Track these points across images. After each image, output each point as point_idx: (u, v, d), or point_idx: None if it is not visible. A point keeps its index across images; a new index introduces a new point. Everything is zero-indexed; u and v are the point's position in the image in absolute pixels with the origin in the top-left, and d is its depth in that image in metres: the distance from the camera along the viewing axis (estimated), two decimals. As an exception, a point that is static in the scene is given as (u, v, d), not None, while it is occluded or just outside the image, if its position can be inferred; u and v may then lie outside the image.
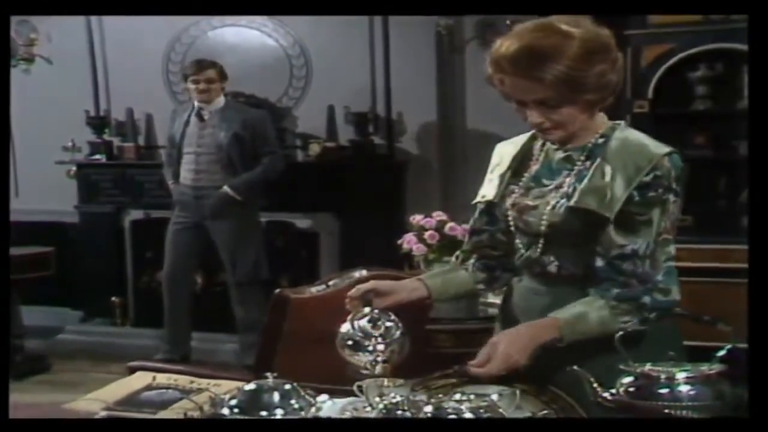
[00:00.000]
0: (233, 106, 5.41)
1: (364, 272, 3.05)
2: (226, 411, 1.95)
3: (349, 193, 5.80)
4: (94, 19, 6.33)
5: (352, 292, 2.24)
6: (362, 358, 2.15)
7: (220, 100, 5.31)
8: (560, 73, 1.96)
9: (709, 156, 5.24)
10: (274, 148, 5.38)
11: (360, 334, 2.16)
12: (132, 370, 2.52)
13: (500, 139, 5.82)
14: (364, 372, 2.15)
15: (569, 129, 2.08)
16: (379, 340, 2.14)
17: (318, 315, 2.88)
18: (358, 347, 2.16)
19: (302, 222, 5.94)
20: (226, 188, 5.22)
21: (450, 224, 3.86)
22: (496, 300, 3.81)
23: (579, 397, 1.89)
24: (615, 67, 2.05)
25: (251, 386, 1.99)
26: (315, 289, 2.96)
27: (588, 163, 2.10)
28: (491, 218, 2.29)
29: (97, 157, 6.26)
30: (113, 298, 6.18)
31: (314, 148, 5.86)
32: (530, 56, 1.97)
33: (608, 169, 2.04)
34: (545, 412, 1.91)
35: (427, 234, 3.82)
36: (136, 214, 6.32)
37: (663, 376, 1.69)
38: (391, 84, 5.81)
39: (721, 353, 1.72)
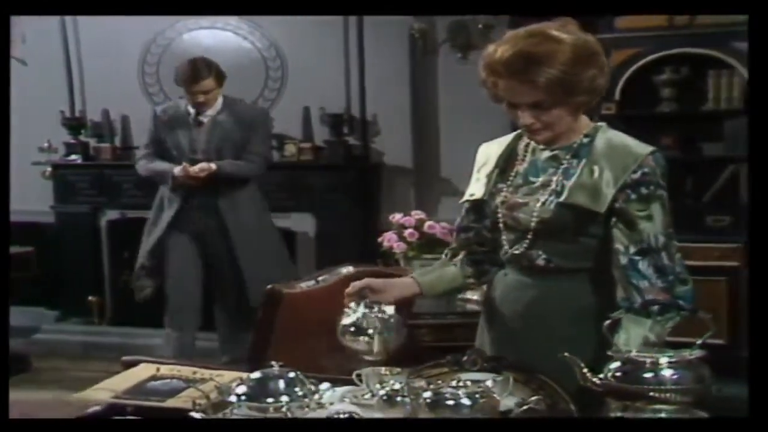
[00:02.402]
0: (231, 105, 4.96)
1: (351, 269, 3.17)
2: (233, 398, 2.05)
3: (324, 193, 5.90)
4: (68, 20, 6.37)
5: (349, 289, 2.33)
6: (363, 343, 2.25)
7: (219, 102, 4.92)
8: (554, 77, 2.08)
9: (675, 156, 5.37)
10: (259, 149, 4.96)
11: (361, 319, 2.26)
12: (126, 365, 2.61)
13: (472, 139, 5.94)
14: (365, 357, 2.25)
15: (556, 129, 2.20)
16: (378, 324, 2.24)
17: (309, 309, 2.99)
18: (359, 332, 2.25)
19: (280, 222, 6.01)
20: (211, 164, 4.80)
21: (428, 222, 3.98)
22: (474, 296, 3.96)
23: (567, 383, 2.01)
24: (603, 71, 2.18)
25: (257, 375, 2.09)
26: (305, 284, 3.07)
27: (575, 161, 2.22)
28: (478, 216, 2.40)
29: (73, 157, 6.30)
30: (90, 298, 6.22)
31: (290, 149, 5.96)
32: (525, 61, 2.09)
33: (596, 168, 2.17)
34: (535, 398, 2.02)
35: (407, 232, 3.93)
36: (112, 215, 6.37)
37: (648, 362, 1.79)
38: (366, 86, 5.91)
39: (702, 340, 1.83)
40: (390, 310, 2.28)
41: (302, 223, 6.01)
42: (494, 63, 2.15)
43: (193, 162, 4.83)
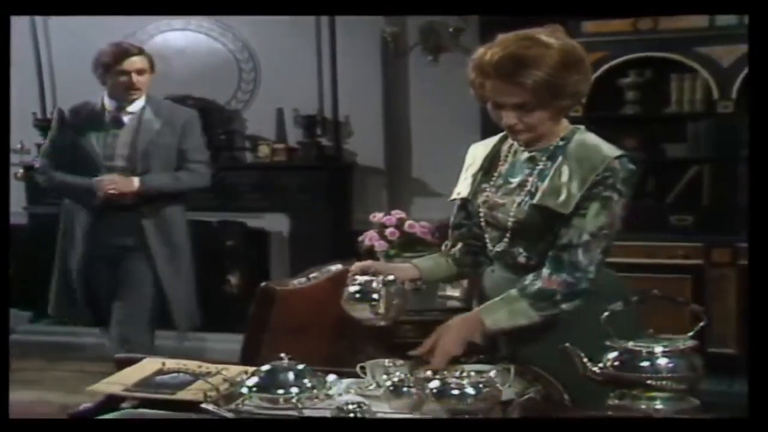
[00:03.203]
0: (157, 104, 4.24)
1: (340, 266, 3.25)
2: (244, 390, 2.14)
3: (297, 193, 5.97)
4: (39, 21, 6.37)
5: (353, 268, 2.42)
6: (368, 308, 2.33)
7: (142, 99, 4.19)
8: (541, 80, 2.19)
9: (639, 157, 5.50)
10: (202, 157, 4.30)
11: (365, 285, 2.34)
12: (119, 363, 2.67)
13: (443, 140, 6.09)
14: (369, 323, 2.35)
15: (538, 131, 2.31)
16: (382, 288, 2.33)
17: (301, 306, 3.06)
18: (364, 298, 2.34)
19: (254, 222, 6.08)
20: (135, 179, 4.10)
21: (409, 222, 4.09)
22: (455, 293, 4.08)
23: (563, 372, 2.11)
24: (587, 77, 2.29)
25: (267, 367, 2.18)
26: (297, 282, 3.14)
27: (549, 163, 2.32)
28: (467, 213, 2.51)
29: (45, 159, 6.30)
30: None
31: (263, 150, 6.02)
32: (514, 63, 2.19)
33: (566, 170, 2.27)
34: (534, 388, 2.12)
35: (388, 231, 4.03)
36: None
37: (644, 351, 1.91)
38: (339, 88, 6.00)
39: (694, 331, 1.95)
40: (392, 276, 2.37)
41: (276, 223, 6.07)
42: (484, 64, 2.25)
43: (110, 171, 4.11)
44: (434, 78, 5.88)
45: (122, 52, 4.10)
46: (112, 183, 4.08)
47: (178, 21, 6.23)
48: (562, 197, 2.25)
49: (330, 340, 3.00)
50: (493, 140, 2.51)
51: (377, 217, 4.15)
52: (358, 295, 2.35)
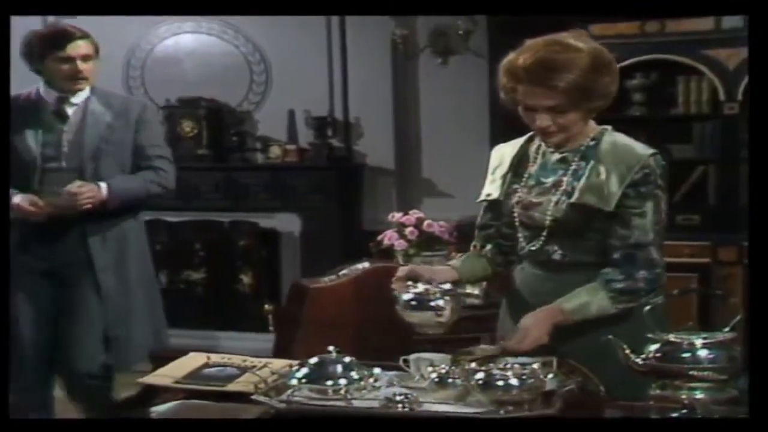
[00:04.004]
0: (103, 95, 3.66)
1: (367, 264, 3.33)
2: (294, 381, 2.21)
3: (308, 193, 6.04)
4: (52, 23, 6.41)
5: (399, 274, 2.47)
6: (427, 315, 2.38)
7: (86, 89, 3.62)
8: (574, 82, 2.28)
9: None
10: (164, 152, 3.73)
11: (422, 293, 2.39)
12: (153, 359, 2.74)
13: (452, 141, 6.18)
14: (426, 330, 2.39)
15: (570, 132, 2.39)
16: (440, 297, 2.38)
17: (331, 303, 3.14)
18: (421, 305, 2.38)
19: (265, 222, 6.15)
20: (102, 184, 3.50)
21: (427, 221, 4.17)
22: (474, 290, 4.15)
23: (592, 366, 2.19)
24: (616, 78, 2.38)
25: (315, 359, 2.25)
26: (327, 279, 3.21)
27: (582, 163, 2.41)
28: (495, 214, 2.58)
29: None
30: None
31: (274, 151, 6.09)
32: (547, 67, 2.28)
33: (602, 169, 2.36)
34: (575, 379, 2.19)
35: (407, 230, 4.11)
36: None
37: (685, 343, 1.99)
38: (349, 90, 6.07)
39: (734, 322, 2.03)
40: (449, 285, 2.42)
41: (287, 223, 6.14)
42: (516, 69, 2.33)
43: (51, 174, 3.53)
44: (443, 80, 5.97)
45: (64, 35, 3.50)
46: (80, 194, 3.43)
47: (189, 23, 6.30)
48: (603, 195, 2.34)
49: (360, 335, 3.07)
50: (519, 142, 2.58)
51: (396, 216, 4.23)
52: (415, 303, 2.39)
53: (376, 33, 5.96)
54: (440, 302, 2.38)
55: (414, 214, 4.20)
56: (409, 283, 2.44)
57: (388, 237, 4.16)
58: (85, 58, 3.51)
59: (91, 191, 3.45)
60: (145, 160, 3.62)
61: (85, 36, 3.54)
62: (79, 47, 3.49)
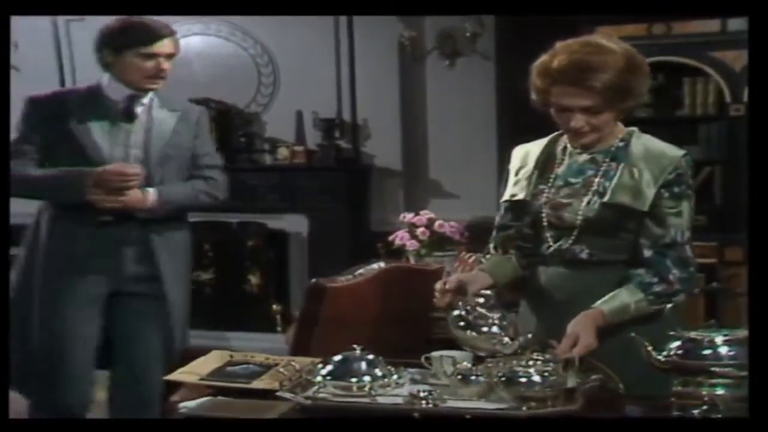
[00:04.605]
0: (163, 97, 3.40)
1: (382, 264, 3.38)
2: (319, 378, 2.24)
3: (316, 194, 6.08)
4: (61, 26, 6.46)
5: (447, 286, 2.44)
6: (492, 343, 2.36)
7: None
8: (610, 83, 2.31)
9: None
10: (218, 162, 3.56)
11: (479, 318, 2.40)
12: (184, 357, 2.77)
13: (459, 142, 6.20)
14: (496, 348, 2.36)
15: (602, 132, 2.42)
16: (496, 321, 2.39)
17: (349, 302, 3.18)
18: (474, 327, 2.38)
19: (273, 223, 6.18)
20: (151, 190, 3.27)
21: (438, 222, 4.21)
22: (485, 292, 4.18)
23: (626, 362, 2.22)
24: (648, 78, 2.42)
25: (339, 357, 2.28)
26: (344, 278, 3.26)
27: (613, 164, 2.44)
28: (517, 215, 2.58)
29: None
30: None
31: (283, 152, 6.13)
32: (583, 69, 2.32)
33: (635, 170, 2.40)
34: (596, 376, 2.23)
35: (419, 230, 4.15)
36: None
37: (706, 340, 2.02)
38: (357, 91, 6.11)
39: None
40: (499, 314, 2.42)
41: (295, 224, 6.18)
42: (552, 71, 2.36)
43: None
44: (451, 82, 6.00)
45: (152, 30, 3.26)
46: (118, 176, 3.18)
47: (197, 25, 6.32)
48: (637, 195, 2.38)
49: (377, 333, 3.11)
50: (542, 142, 2.60)
51: (407, 217, 4.27)
52: (462, 323, 2.40)
53: (383, 35, 6.00)
54: (492, 329, 2.38)
55: (425, 215, 4.24)
56: (482, 310, 2.42)
57: (400, 237, 4.20)
58: (169, 56, 3.29)
59: (134, 197, 3.22)
60: (198, 168, 3.43)
61: (172, 34, 3.32)
62: (165, 45, 3.27)
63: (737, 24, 5.30)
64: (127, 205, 3.21)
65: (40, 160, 3.28)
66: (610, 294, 2.37)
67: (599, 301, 2.35)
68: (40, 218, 3.32)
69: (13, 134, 3.28)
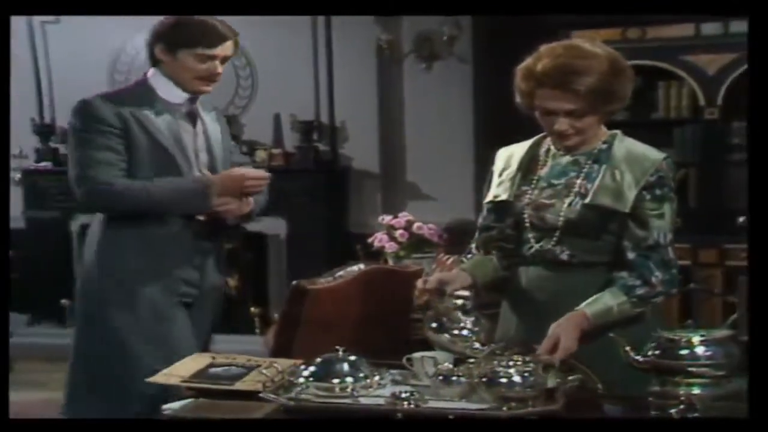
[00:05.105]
0: (207, 100, 3.16)
1: (362, 266, 3.40)
2: (302, 380, 2.26)
3: (294, 197, 6.08)
4: (37, 27, 6.44)
5: (428, 285, 2.47)
6: (462, 346, 2.41)
7: None
8: (593, 86, 2.34)
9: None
10: (247, 160, 3.68)
11: (453, 321, 2.44)
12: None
13: (436, 145, 6.21)
14: (466, 352, 2.39)
15: (585, 135, 2.46)
16: (469, 326, 2.43)
17: (330, 304, 3.19)
18: (447, 330, 2.44)
19: (252, 225, 6.16)
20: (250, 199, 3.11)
21: (417, 224, 4.23)
22: (463, 292, 4.21)
23: (606, 362, 2.23)
24: (632, 82, 2.46)
25: (322, 358, 2.29)
26: (324, 280, 3.27)
27: (596, 166, 2.47)
28: (499, 216, 2.60)
29: (45, 164, 6.39)
30: (63, 301, 6.30)
31: (261, 155, 6.14)
32: (567, 72, 2.35)
33: (617, 172, 2.43)
34: (575, 377, 2.25)
35: (398, 232, 4.17)
36: (83, 219, 6.45)
37: (683, 340, 2.05)
38: (335, 94, 6.13)
39: (729, 321, 2.10)
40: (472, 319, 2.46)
41: (273, 226, 6.17)
42: (536, 74, 2.39)
43: None
44: (428, 85, 6.04)
45: (217, 32, 2.99)
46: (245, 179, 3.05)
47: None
48: (619, 197, 2.41)
49: (358, 335, 3.12)
50: (526, 144, 2.62)
51: (386, 219, 4.29)
52: (451, 333, 2.44)
53: (361, 38, 6.03)
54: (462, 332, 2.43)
55: (404, 217, 4.27)
56: (459, 315, 2.46)
57: (379, 239, 4.22)
58: (225, 60, 3.04)
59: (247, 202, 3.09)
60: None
61: (235, 35, 3.06)
62: (226, 48, 3.01)
63: (711, 28, 5.38)
64: (240, 212, 3.09)
65: (128, 169, 2.93)
66: (594, 297, 2.39)
67: (583, 304, 2.38)
68: (107, 227, 2.99)
69: (73, 143, 2.95)
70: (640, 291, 2.39)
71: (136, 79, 3.10)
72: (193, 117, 3.05)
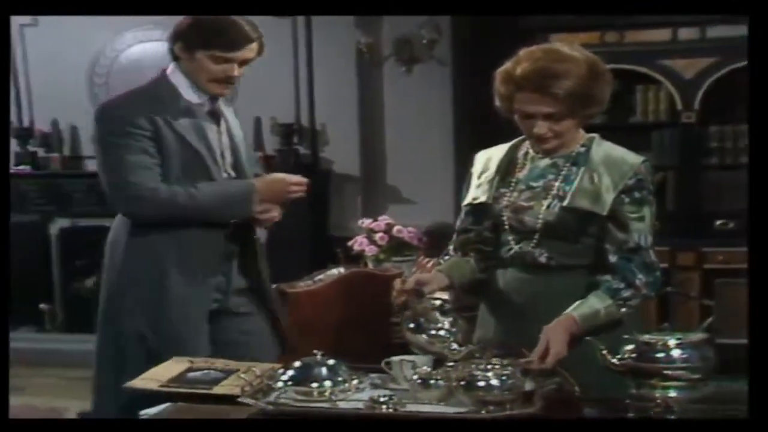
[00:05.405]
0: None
1: (342, 269, 3.42)
2: (280, 384, 2.26)
3: (275, 200, 6.08)
4: (14, 30, 6.40)
5: (405, 285, 2.49)
6: (440, 347, 2.42)
7: None
8: (572, 90, 2.36)
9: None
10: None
11: (431, 321, 2.45)
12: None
13: (416, 148, 6.22)
14: (444, 353, 2.40)
15: (564, 138, 2.47)
16: (446, 326, 2.44)
17: (309, 307, 3.21)
18: (425, 330, 2.44)
19: (232, 228, 6.17)
20: None
21: (397, 227, 4.24)
22: (443, 295, 4.22)
23: (585, 365, 2.24)
24: (610, 86, 2.48)
25: (299, 363, 2.30)
26: (304, 284, 3.28)
27: (574, 168, 2.48)
28: (477, 218, 2.62)
29: (23, 167, 6.36)
30: (42, 305, 6.28)
31: (241, 158, 6.12)
32: (546, 76, 2.36)
33: (595, 175, 2.44)
34: (553, 380, 2.27)
35: (377, 236, 4.18)
36: (63, 223, 6.44)
37: (659, 343, 2.07)
38: (315, 97, 6.13)
39: (705, 324, 2.12)
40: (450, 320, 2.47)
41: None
42: (515, 77, 2.41)
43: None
44: (408, 88, 6.04)
45: (239, 34, 2.85)
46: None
47: (155, 32, 6.29)
48: (597, 199, 2.42)
49: (337, 338, 3.13)
50: (505, 147, 2.63)
51: (366, 222, 4.30)
52: (428, 334, 2.44)
53: (341, 41, 6.03)
54: (439, 332, 2.44)
55: (383, 220, 4.28)
56: (438, 315, 2.46)
57: (359, 242, 4.23)
58: (244, 63, 2.92)
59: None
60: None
61: (260, 37, 2.92)
62: (247, 51, 2.89)
63: (687, 33, 5.43)
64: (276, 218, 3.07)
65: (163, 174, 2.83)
66: (580, 300, 2.40)
67: (570, 308, 2.39)
68: (134, 232, 2.89)
69: (104, 149, 2.86)
70: (625, 293, 2.41)
71: (154, 77, 2.97)
72: (216, 116, 2.95)
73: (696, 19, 5.36)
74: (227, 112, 3.01)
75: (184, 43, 2.87)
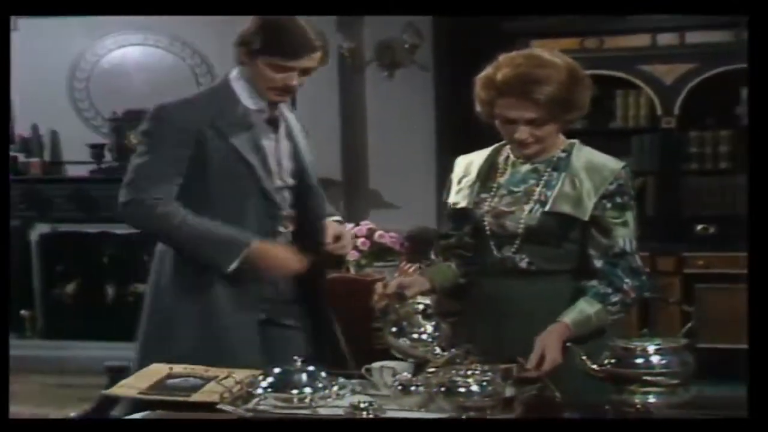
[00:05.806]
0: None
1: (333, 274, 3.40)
2: (260, 390, 2.25)
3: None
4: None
5: (387, 289, 2.49)
6: (414, 348, 2.42)
7: None
8: (553, 95, 2.37)
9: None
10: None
11: (413, 325, 2.45)
12: (110, 370, 2.76)
13: (398, 153, 6.22)
14: (427, 357, 2.40)
15: (545, 143, 2.48)
16: (429, 330, 2.44)
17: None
18: (407, 334, 2.44)
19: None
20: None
21: (378, 232, 4.24)
22: (425, 300, 4.23)
23: (566, 370, 2.27)
24: (590, 91, 2.48)
25: (278, 369, 2.29)
26: (286, 289, 3.26)
27: (555, 173, 2.49)
28: (458, 223, 2.62)
29: (2, 172, 6.32)
30: (22, 312, 6.24)
31: (222, 163, 6.11)
32: (527, 81, 2.37)
33: (576, 180, 2.45)
34: (534, 386, 2.27)
35: (359, 241, 4.18)
36: (43, 228, 6.40)
37: (639, 349, 2.07)
38: (296, 102, 6.10)
39: (684, 330, 2.13)
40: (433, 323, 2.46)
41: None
42: (496, 83, 2.41)
43: (278, 193, 2.85)
44: (390, 93, 6.05)
45: (303, 42, 2.73)
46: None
47: (137, 36, 6.30)
48: (578, 204, 2.43)
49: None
50: (485, 152, 2.63)
51: (348, 227, 4.29)
52: (411, 338, 2.44)
53: (323, 46, 6.02)
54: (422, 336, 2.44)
55: (365, 225, 4.28)
56: (420, 319, 2.46)
57: (340, 248, 4.22)
58: (306, 72, 2.80)
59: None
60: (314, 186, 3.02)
61: (324, 45, 2.79)
62: (310, 60, 2.76)
63: (667, 39, 5.46)
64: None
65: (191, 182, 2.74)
66: (571, 307, 2.41)
67: (562, 314, 2.39)
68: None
69: (139, 148, 2.81)
70: (614, 298, 2.41)
71: (218, 82, 2.94)
72: (275, 122, 2.86)
73: (676, 24, 5.40)
74: (290, 117, 2.94)
75: (246, 48, 2.79)
